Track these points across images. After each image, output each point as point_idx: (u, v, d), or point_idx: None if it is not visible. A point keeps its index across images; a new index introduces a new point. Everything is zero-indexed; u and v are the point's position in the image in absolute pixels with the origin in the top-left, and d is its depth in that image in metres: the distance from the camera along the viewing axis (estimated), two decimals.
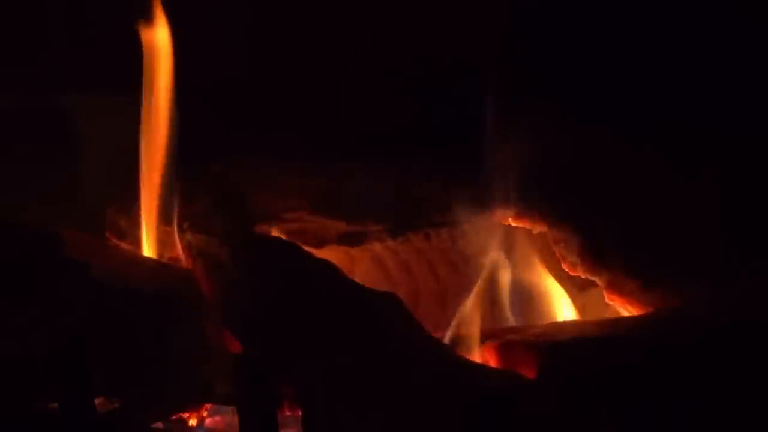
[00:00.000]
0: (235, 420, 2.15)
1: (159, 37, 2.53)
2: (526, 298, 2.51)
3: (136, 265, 2.43)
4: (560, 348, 2.14)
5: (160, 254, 2.55)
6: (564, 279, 2.56)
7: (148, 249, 2.55)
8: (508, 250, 2.51)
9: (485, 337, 2.25)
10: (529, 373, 2.10)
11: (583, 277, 2.50)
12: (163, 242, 2.55)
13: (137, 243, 2.55)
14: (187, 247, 2.42)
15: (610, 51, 2.62)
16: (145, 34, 2.53)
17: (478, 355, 2.21)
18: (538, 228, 2.55)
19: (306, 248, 2.37)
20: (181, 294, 2.35)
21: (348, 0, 2.73)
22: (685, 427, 2.07)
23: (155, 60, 2.54)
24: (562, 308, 2.52)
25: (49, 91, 2.92)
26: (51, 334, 2.22)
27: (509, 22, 2.65)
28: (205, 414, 2.42)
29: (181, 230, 2.50)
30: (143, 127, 2.55)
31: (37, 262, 2.32)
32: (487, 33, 2.65)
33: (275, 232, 2.58)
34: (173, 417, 2.36)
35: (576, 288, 2.59)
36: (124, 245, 2.55)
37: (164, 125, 2.54)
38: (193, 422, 2.41)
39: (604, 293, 2.49)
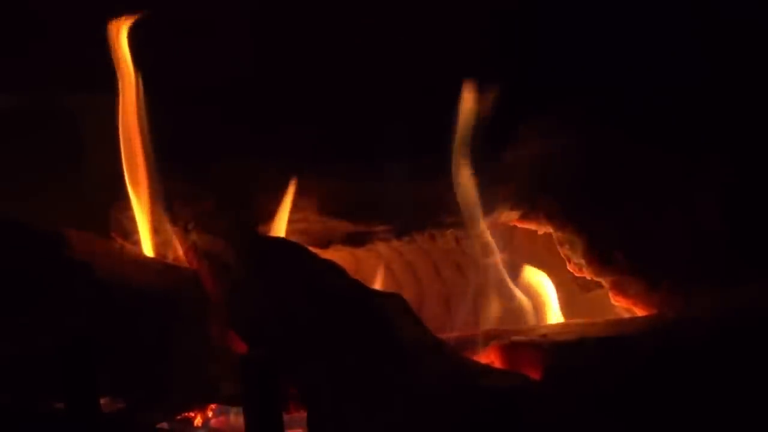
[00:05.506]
0: (241, 420, 2.16)
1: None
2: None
3: (141, 266, 2.43)
4: (565, 349, 2.14)
5: (163, 254, 2.55)
6: (569, 280, 2.56)
7: (148, 249, 2.55)
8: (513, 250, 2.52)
9: (490, 337, 2.25)
10: (533, 373, 2.10)
11: (589, 278, 2.51)
12: (165, 242, 2.55)
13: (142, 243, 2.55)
14: (192, 248, 2.42)
15: (617, 55, 2.62)
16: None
17: (483, 355, 2.21)
18: (543, 229, 2.55)
19: (311, 249, 2.37)
20: (186, 294, 2.35)
21: (353, 2, 2.73)
22: (690, 427, 2.07)
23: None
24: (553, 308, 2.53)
25: (51, 91, 2.92)
26: (56, 334, 2.22)
27: (517, 25, 2.66)
28: (210, 414, 2.43)
29: (185, 231, 2.50)
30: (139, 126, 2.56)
31: (42, 263, 2.32)
32: (496, 36, 2.65)
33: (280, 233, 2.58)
34: (178, 417, 2.36)
35: (581, 289, 2.60)
36: (128, 245, 2.55)
37: (136, 123, 2.53)
38: (198, 422, 2.41)
39: (610, 294, 2.50)
